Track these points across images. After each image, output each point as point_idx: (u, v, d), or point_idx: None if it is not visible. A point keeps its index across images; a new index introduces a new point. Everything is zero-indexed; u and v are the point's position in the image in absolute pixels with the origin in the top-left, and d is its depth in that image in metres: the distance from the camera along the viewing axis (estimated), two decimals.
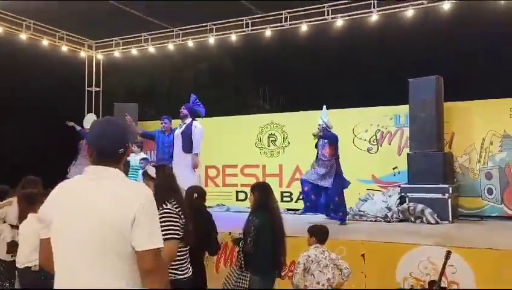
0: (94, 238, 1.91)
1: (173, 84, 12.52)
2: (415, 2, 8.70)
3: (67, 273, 1.95)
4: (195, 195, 4.67)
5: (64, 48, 11.43)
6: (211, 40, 10.67)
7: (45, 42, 10.86)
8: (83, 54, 12.14)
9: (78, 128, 9.81)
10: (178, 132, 7.59)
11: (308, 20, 9.68)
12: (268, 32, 10.09)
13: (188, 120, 7.54)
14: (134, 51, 11.70)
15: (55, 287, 1.99)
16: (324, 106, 7.96)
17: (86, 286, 1.90)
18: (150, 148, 10.21)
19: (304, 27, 9.75)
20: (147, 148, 10.16)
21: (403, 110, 8.88)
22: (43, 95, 10.80)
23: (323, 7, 9.40)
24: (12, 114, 10.86)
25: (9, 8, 9.36)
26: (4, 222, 4.89)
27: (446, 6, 8.55)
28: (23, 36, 10.33)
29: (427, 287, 5.25)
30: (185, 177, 6.32)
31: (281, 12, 9.79)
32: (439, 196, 7.78)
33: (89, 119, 10.18)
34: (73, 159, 10.00)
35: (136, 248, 1.95)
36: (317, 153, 7.81)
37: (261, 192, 4.71)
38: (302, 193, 8.03)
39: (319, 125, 7.71)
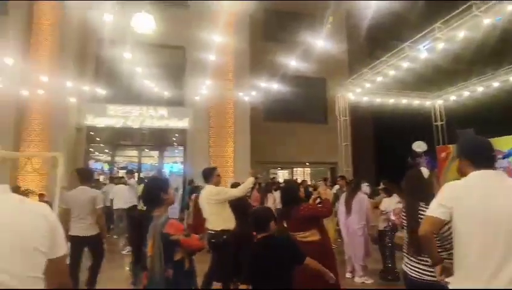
0: None
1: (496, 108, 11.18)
2: None
3: None
4: None
5: (416, 101, 12.93)
6: None
7: (404, 101, 12.53)
8: (428, 103, 13.25)
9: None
10: None
11: None
12: None
13: None
14: (465, 93, 11.75)
15: None
16: None
17: None
18: None
19: None
20: None
21: None
22: (400, 130, 12.37)
23: None
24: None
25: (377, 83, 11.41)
26: None
27: None
28: (392, 100, 12.30)
29: None
30: None
31: None
32: None
33: (417, 144, 9.85)
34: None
35: None
36: None
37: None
38: None
39: None
